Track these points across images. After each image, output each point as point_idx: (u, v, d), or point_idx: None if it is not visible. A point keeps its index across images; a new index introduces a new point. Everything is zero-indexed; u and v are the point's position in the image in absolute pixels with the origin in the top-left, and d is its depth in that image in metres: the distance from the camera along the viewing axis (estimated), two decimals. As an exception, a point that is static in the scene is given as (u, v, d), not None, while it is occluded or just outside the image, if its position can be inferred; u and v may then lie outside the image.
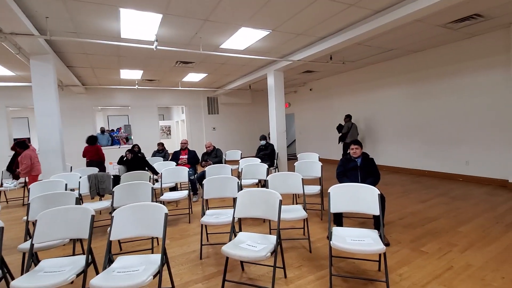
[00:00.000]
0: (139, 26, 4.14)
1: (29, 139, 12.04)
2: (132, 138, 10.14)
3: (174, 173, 4.44)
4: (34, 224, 2.19)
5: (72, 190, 3.79)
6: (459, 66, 5.83)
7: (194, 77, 8.16)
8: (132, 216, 2.15)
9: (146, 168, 5.11)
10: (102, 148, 6.69)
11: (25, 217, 2.96)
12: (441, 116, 6.19)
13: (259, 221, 3.98)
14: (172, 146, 12.89)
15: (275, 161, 6.25)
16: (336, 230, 2.48)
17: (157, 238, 3.43)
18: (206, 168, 4.36)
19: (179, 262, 2.89)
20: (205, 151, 5.93)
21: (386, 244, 2.33)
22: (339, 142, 8.03)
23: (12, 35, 3.75)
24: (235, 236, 2.47)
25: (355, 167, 3.33)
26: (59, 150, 4.80)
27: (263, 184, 4.80)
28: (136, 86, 8.43)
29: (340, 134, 7.89)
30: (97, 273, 2.32)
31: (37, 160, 5.11)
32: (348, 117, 7.81)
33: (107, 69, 6.77)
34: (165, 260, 2.04)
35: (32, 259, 2.13)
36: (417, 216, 3.92)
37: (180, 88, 9.40)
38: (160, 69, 7.04)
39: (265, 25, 4.40)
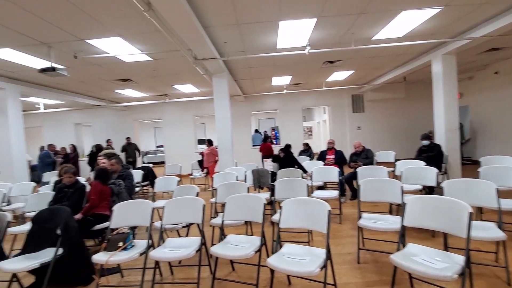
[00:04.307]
0: (293, 34, 4.48)
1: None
2: (279, 138, 11.16)
3: (323, 173, 4.51)
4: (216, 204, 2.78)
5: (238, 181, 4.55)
6: None
7: (339, 75, 8.01)
8: (298, 209, 2.33)
9: (296, 166, 5.45)
10: (256, 146, 8.16)
11: (212, 199, 3.82)
12: None
13: (425, 234, 3.39)
14: (313, 146, 13.23)
15: (443, 165, 5.15)
16: None
17: (311, 232, 3.57)
18: (358, 169, 4.16)
19: (336, 261, 2.88)
20: (353, 151, 5.68)
21: None
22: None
23: (203, 60, 4.96)
24: (404, 246, 2.20)
25: None
26: (230, 148, 5.93)
27: (427, 191, 4.06)
28: (285, 90, 9.19)
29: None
30: (267, 253, 2.67)
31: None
32: None
33: (262, 78, 7.77)
34: (329, 256, 2.09)
35: (222, 232, 2.70)
36: None
37: (323, 88, 9.48)
38: (307, 72, 7.36)
39: (435, 1, 3.70)
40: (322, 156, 5.94)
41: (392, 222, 2.69)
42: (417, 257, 1.98)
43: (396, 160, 5.15)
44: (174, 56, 5.20)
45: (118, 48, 4.58)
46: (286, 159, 5.71)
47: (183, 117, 10.89)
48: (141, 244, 2.61)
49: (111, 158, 4.40)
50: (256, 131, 13.05)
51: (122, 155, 9.55)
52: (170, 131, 10.98)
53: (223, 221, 2.67)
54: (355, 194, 5.22)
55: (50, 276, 2.43)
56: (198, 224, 2.73)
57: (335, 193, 4.20)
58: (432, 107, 6.19)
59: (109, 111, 10.95)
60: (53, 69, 4.19)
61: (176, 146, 10.87)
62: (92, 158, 8.82)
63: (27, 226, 3.27)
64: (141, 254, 2.46)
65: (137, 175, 5.64)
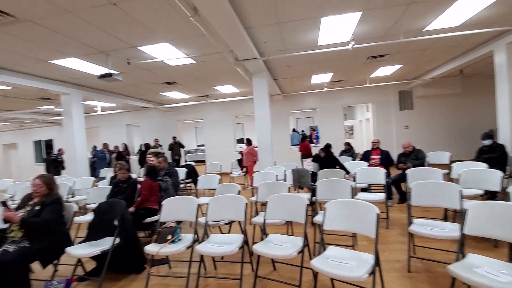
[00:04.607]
0: (336, 30, 4.33)
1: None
2: (320, 138, 10.89)
3: (368, 174, 4.29)
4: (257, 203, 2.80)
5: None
6: None
7: (385, 71, 7.56)
8: (343, 211, 2.25)
9: (337, 167, 5.28)
10: (294, 146, 8.08)
11: (253, 198, 3.87)
12: None
13: (487, 244, 3.04)
14: (354, 146, 12.70)
15: (508, 167, 4.57)
16: None
17: (355, 236, 3.42)
18: (408, 171, 3.88)
19: (383, 268, 2.71)
20: (400, 151, 5.31)
21: None
22: None
23: (244, 61, 5.04)
24: (463, 256, 2.00)
25: None
26: (269, 147, 5.95)
27: (489, 197, 3.64)
28: (325, 88, 8.95)
29: None
30: (310, 255, 2.63)
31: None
32: None
33: (301, 77, 7.65)
34: (377, 262, 1.98)
35: (264, 231, 2.72)
36: None
37: (367, 85, 9.02)
38: (349, 69, 7.07)
39: (498, -15, 3.30)
40: (366, 157, 5.66)
41: (449, 230, 2.46)
42: (479, 269, 1.79)
43: (452, 161, 4.70)
44: (216, 58, 5.38)
45: (165, 53, 4.88)
46: (327, 159, 5.55)
47: (223, 117, 11.20)
48: (187, 238, 2.75)
49: (158, 156, 4.71)
50: (294, 130, 12.91)
51: (169, 153, 10.18)
52: (211, 130, 11.37)
53: (264, 220, 2.69)
54: (403, 197, 4.89)
55: (108, 263, 2.68)
56: (239, 222, 2.80)
57: (381, 196, 3.97)
58: (494, 102, 5.54)
59: (156, 112, 11.71)
60: (110, 75, 4.61)
61: (216, 145, 11.23)
62: (142, 156, 9.54)
63: (88, 217, 3.65)
64: (187, 248, 2.59)
65: (181, 172, 5.95)
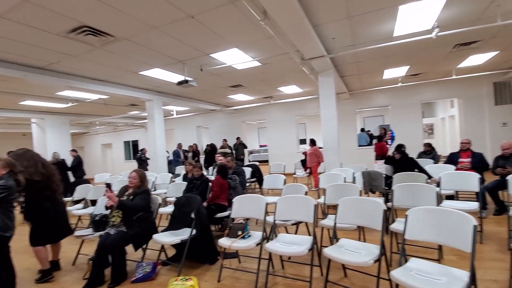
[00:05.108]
0: (416, 18, 3.90)
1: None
2: (395, 139, 9.94)
3: (457, 179, 3.73)
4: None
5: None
6: None
7: (475, 59, 6.48)
8: (430, 220, 2.01)
9: (416, 170, 4.73)
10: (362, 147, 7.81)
11: (319, 199, 3.76)
12: None
13: None
14: (435, 146, 11.19)
15: None
16: None
17: (441, 248, 3.01)
18: (510, 177, 3.24)
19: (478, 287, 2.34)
20: (498, 154, 4.47)
21: None
22: None
23: (310, 60, 4.95)
24: None
25: None
26: (336, 148, 5.70)
27: None
28: (399, 83, 8.14)
29: None
30: (387, 265, 2.43)
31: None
32: None
33: (371, 72, 7.13)
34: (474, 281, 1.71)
35: (335, 235, 2.62)
36: None
37: (453, 77, 7.86)
38: (431, 60, 6.29)
39: None
40: (452, 159, 4.92)
41: None
42: None
43: None
44: (281, 59, 5.42)
45: (234, 57, 5.14)
46: (403, 161, 5.03)
47: (286, 118, 11.21)
48: (256, 235, 2.83)
49: (226, 156, 4.98)
50: (362, 130, 12.06)
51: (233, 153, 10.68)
52: (274, 131, 11.50)
53: (335, 223, 2.58)
54: (501, 208, 4.13)
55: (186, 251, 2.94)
56: (306, 223, 2.74)
57: (473, 205, 3.41)
58: None
59: (223, 115, 12.42)
60: (186, 81, 5.09)
61: (279, 145, 11.30)
62: (208, 156, 10.23)
63: (168, 208, 4.07)
64: (257, 245, 2.66)
65: (246, 172, 6.17)
